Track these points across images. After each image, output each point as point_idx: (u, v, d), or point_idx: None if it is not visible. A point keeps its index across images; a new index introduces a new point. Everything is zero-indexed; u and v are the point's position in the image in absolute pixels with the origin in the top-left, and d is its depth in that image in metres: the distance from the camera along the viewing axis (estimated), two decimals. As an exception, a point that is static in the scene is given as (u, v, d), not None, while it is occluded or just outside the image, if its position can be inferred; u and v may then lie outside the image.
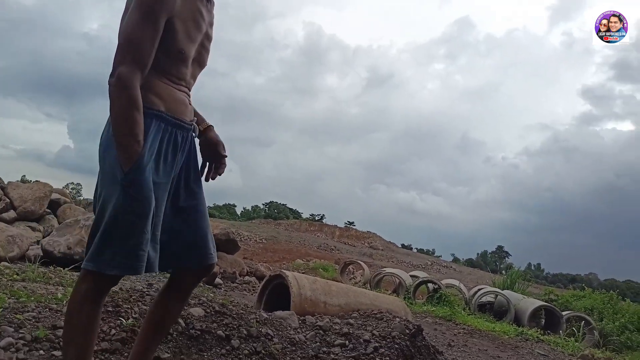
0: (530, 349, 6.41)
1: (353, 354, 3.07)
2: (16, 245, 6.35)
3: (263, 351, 2.77)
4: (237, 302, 3.79)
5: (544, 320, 9.42)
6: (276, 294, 4.73)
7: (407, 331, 3.49)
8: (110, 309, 2.54)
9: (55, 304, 2.65)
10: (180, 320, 2.63)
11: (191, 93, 1.87)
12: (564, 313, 9.11)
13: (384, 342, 3.26)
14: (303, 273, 8.51)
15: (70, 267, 5.23)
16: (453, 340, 5.94)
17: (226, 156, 1.96)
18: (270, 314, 3.54)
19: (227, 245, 8.78)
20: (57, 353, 2.11)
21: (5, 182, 8.96)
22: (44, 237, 7.11)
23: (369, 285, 10.99)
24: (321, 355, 3.02)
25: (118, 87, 1.52)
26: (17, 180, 9.93)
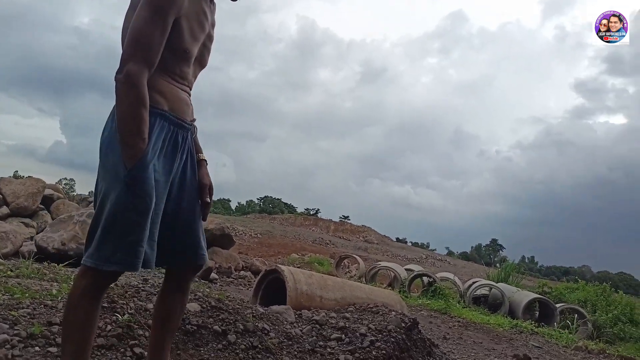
0: (524, 341, 6.46)
1: (349, 348, 3.08)
2: (9, 241, 6.32)
3: (260, 346, 2.77)
4: (233, 297, 3.79)
5: (538, 312, 9.50)
6: (272, 288, 4.73)
7: (403, 324, 3.50)
8: (106, 305, 2.53)
9: (50, 300, 2.64)
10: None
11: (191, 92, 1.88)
12: (557, 305, 9.18)
13: (380, 335, 3.27)
14: (298, 267, 8.52)
15: (65, 263, 5.20)
16: (448, 333, 5.97)
17: (209, 203, 1.92)
18: (266, 308, 3.54)
19: (222, 240, 8.78)
20: (53, 349, 2.09)
21: (-2, 178, 8.89)
22: (37, 233, 7.08)
23: (364, 279, 11.03)
24: (318, 349, 3.03)
25: (126, 84, 1.52)
26: (10, 176, 9.86)
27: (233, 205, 70.53)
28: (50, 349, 2.10)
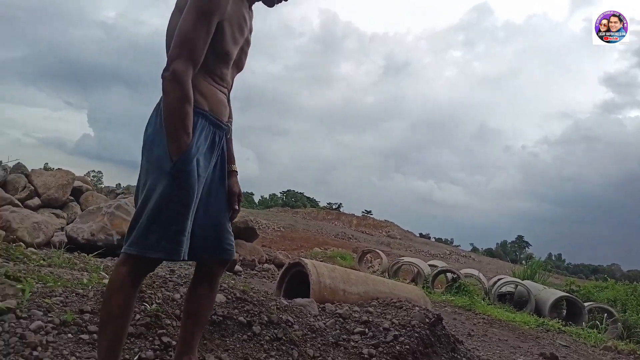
0: (551, 340, 6.35)
1: (373, 342, 3.08)
2: (42, 231, 6.50)
3: (284, 337, 2.80)
4: (258, 289, 3.82)
5: (565, 311, 9.31)
6: (295, 281, 4.76)
7: (427, 320, 3.48)
8: (135, 295, 2.58)
9: (82, 289, 2.70)
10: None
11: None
12: (586, 304, 8.99)
13: (403, 330, 3.26)
14: (321, 261, 8.55)
15: (94, 254, 5.32)
16: (473, 330, 5.91)
17: (238, 210, 2.02)
18: (290, 301, 3.57)
19: (246, 233, 8.85)
20: (85, 336, 2.15)
21: (29, 170, 9.14)
22: (67, 224, 7.26)
23: (387, 274, 10.99)
24: (341, 342, 3.04)
25: (173, 81, 1.61)
26: (40, 168, 10.12)
27: (256, 198, 71.04)
28: (82, 336, 2.16)
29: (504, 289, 9.95)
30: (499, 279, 10.93)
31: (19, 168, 9.01)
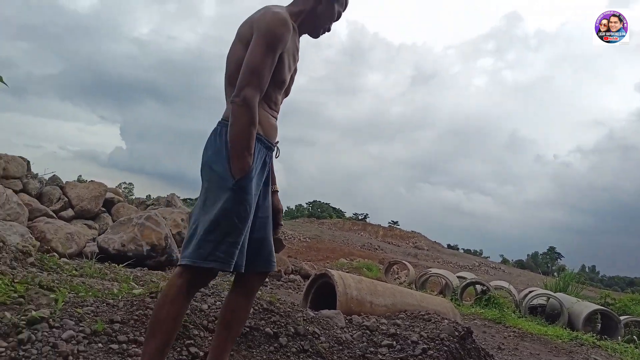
0: (585, 355, 6.13)
1: (401, 355, 3.04)
2: (74, 242, 6.67)
3: (311, 349, 2.78)
4: (284, 300, 3.82)
5: (600, 325, 8.99)
6: (322, 292, 4.74)
7: (456, 333, 3.42)
8: (163, 305, 2.61)
9: (112, 299, 2.75)
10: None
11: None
12: (621, 318, 8.66)
13: (432, 343, 3.21)
14: (347, 272, 8.50)
15: (125, 264, 5.42)
16: (503, 344, 5.77)
17: (282, 225, 2.24)
18: (316, 312, 3.55)
19: (274, 243, 8.88)
20: (114, 346, 2.19)
21: (64, 182, 9.41)
22: (99, 235, 7.43)
23: (414, 286, 10.85)
24: (368, 355, 3.00)
25: (243, 106, 1.77)
26: (74, 180, 10.40)
27: (282, 209, 71.00)
28: (112, 345, 2.19)
29: (535, 302, 9.69)
30: (530, 291, 10.65)
31: (54, 180, 9.29)
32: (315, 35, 2.17)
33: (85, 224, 8.64)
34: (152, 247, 6.66)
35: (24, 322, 2.12)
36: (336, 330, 3.25)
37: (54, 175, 9.46)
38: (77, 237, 6.82)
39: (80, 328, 2.23)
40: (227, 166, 1.78)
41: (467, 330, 3.53)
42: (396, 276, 14.31)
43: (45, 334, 2.10)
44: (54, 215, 8.10)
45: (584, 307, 8.93)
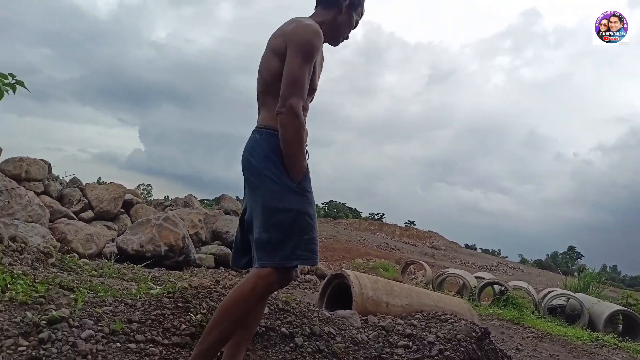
0: (606, 356, 6.02)
1: (417, 356, 3.02)
2: (94, 243, 6.77)
3: (326, 350, 2.78)
4: (300, 300, 3.83)
5: (621, 326, 8.82)
6: (337, 293, 4.74)
7: (474, 334, 3.39)
8: (180, 305, 2.64)
9: (130, 299, 2.79)
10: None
11: None
12: (644, 319, 8.48)
13: (449, 344, 3.18)
14: (363, 272, 8.48)
15: (143, 264, 5.49)
16: (521, 344, 5.70)
17: None
18: (332, 312, 3.55)
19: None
20: (132, 346, 2.22)
21: (84, 184, 9.57)
22: (118, 235, 7.53)
23: (431, 286, 10.77)
24: (384, 355, 2.99)
25: (291, 114, 1.89)
26: (94, 182, 10.56)
27: (298, 209, 70.93)
28: (129, 345, 2.22)
29: (554, 302, 9.54)
30: (550, 292, 10.49)
31: (74, 182, 9.45)
32: (335, 43, 2.28)
33: (104, 225, 8.77)
34: (169, 248, 6.73)
35: (45, 322, 2.17)
36: (352, 331, 3.25)
37: (74, 177, 9.61)
38: (96, 238, 6.92)
39: (99, 327, 2.26)
40: (283, 170, 1.91)
41: (484, 331, 3.50)
42: (413, 276, 14.23)
43: (65, 333, 2.14)
44: (74, 216, 8.24)
45: (605, 308, 8.76)
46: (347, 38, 2.30)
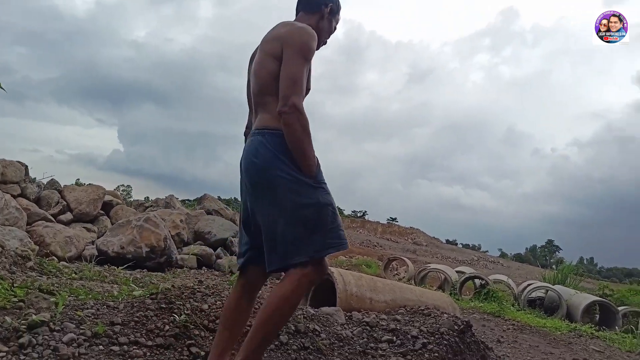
0: (584, 345, 6.17)
1: (401, 350, 3.06)
2: (73, 245, 6.66)
3: (311, 346, 2.80)
4: (284, 299, 3.83)
5: (598, 316, 9.04)
6: (321, 290, 4.76)
7: (456, 327, 3.44)
8: (164, 306, 2.62)
9: (112, 301, 2.76)
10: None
11: None
12: (620, 308, 8.70)
13: (432, 338, 3.23)
14: (347, 269, 8.51)
15: (124, 266, 5.43)
16: (502, 336, 5.80)
17: None
18: (316, 310, 3.57)
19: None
20: (115, 348, 2.20)
21: (62, 186, 9.39)
22: (98, 238, 7.42)
23: (413, 282, 10.87)
24: (369, 351, 3.02)
25: (296, 112, 1.95)
26: (72, 184, 10.37)
27: (281, 208, 70.74)
28: (113, 347, 2.20)
29: (534, 295, 9.73)
30: (529, 284, 10.69)
31: (52, 184, 9.26)
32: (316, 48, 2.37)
33: (84, 227, 8.61)
34: (151, 249, 6.66)
35: (25, 326, 2.14)
36: (336, 327, 3.27)
37: (52, 179, 9.42)
38: (76, 241, 6.81)
39: (81, 331, 2.24)
40: (295, 167, 1.97)
41: (466, 324, 3.55)
42: (395, 272, 14.33)
43: (46, 337, 2.12)
44: (53, 219, 8.08)
45: (582, 299, 8.97)
46: (325, 43, 2.40)
